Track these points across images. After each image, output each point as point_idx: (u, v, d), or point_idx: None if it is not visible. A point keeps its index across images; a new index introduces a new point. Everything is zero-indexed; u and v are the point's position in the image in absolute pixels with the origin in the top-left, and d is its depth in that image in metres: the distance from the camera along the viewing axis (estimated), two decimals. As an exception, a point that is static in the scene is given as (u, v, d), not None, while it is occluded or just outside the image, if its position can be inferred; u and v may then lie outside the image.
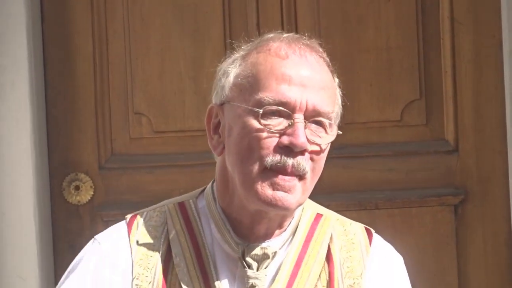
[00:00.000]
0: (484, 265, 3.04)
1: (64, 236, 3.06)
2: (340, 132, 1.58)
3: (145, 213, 1.68)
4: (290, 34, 1.59)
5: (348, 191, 2.98)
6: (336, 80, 1.60)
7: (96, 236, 1.65)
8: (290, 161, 1.49)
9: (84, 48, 3.08)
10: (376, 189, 3.00)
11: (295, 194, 1.52)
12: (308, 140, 1.49)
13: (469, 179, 3.03)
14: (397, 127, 2.99)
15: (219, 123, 1.60)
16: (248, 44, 1.63)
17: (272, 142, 1.51)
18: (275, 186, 1.51)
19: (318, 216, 1.66)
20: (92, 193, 2.95)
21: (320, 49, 1.58)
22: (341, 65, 3.03)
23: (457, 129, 2.96)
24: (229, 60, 1.63)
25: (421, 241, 2.95)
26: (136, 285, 1.57)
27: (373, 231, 1.66)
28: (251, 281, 1.56)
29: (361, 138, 3.01)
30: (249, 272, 1.56)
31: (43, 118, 3.07)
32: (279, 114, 1.51)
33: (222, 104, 1.58)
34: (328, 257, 1.61)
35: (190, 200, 1.68)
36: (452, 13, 3.03)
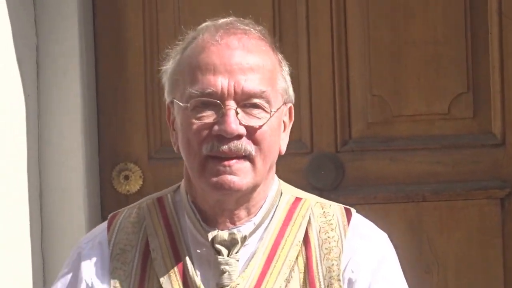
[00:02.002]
0: None
1: (114, 226, 3.10)
2: (290, 104, 1.63)
3: (125, 211, 1.70)
4: (223, 20, 1.59)
5: (395, 184, 2.98)
6: (279, 56, 1.60)
7: (79, 240, 1.70)
8: (224, 147, 1.51)
9: (135, 41, 3.11)
10: (423, 182, 3.01)
11: (243, 174, 1.55)
12: (242, 124, 1.51)
13: None
14: (445, 120, 3.01)
15: (173, 120, 1.65)
16: (189, 35, 1.64)
17: (204, 133, 1.54)
18: (219, 172, 1.53)
19: (297, 199, 1.68)
20: (141, 183, 2.98)
21: (257, 29, 1.58)
22: (389, 57, 3.06)
23: (504, 123, 2.96)
24: (172, 54, 1.65)
25: (467, 234, 2.95)
26: (113, 279, 1.61)
27: (353, 210, 1.67)
28: (221, 267, 1.58)
29: (408, 131, 3.03)
30: (220, 258, 1.57)
31: (94, 109, 3.10)
32: (207, 105, 1.54)
33: (171, 101, 1.62)
34: (306, 240, 1.63)
35: (168, 195, 1.70)
36: (501, 7, 3.01)
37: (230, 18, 1.60)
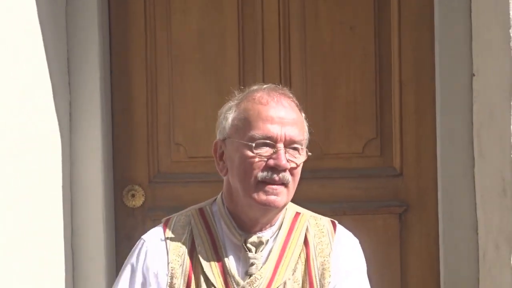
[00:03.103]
0: (419, 257, 3.50)
1: (123, 230, 3.49)
2: (310, 153, 1.94)
3: (175, 217, 2.01)
4: (269, 85, 1.97)
5: (325, 202, 3.42)
6: (303, 115, 1.95)
7: (142, 236, 2.02)
8: (276, 176, 1.84)
9: (140, 98, 3.51)
10: (344, 201, 3.49)
11: (282, 196, 1.87)
12: (287, 160, 1.85)
13: (410, 195, 3.51)
14: (360, 158, 3.51)
15: (222, 153, 1.93)
16: (239, 95, 1.97)
17: (262, 164, 1.86)
18: (267, 193, 1.85)
19: (297, 214, 2.02)
20: (144, 199, 3.41)
21: (291, 95, 1.95)
22: (323, 112, 3.35)
23: (402, 160, 3.50)
24: (226, 107, 1.96)
25: (375, 239, 3.38)
26: (171, 267, 1.93)
27: (336, 222, 2.04)
28: (251, 261, 1.91)
29: (334, 165, 3.54)
30: (250, 254, 1.91)
31: (110, 145, 3.53)
32: (266, 144, 1.85)
33: (224, 140, 1.92)
34: (305, 243, 1.97)
35: (207, 206, 2.01)
36: (401, 76, 3.52)
37: (271, 84, 1.99)
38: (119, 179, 3.53)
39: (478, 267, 3.31)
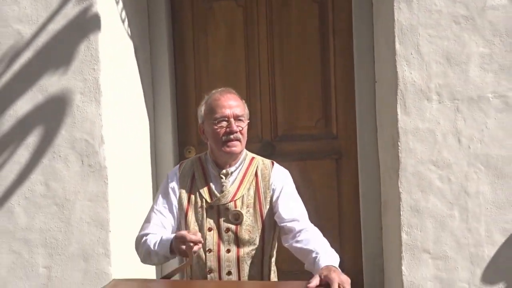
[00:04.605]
0: (348, 183, 4.38)
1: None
2: (248, 121, 2.50)
3: (185, 161, 2.60)
4: (221, 89, 2.58)
5: (294, 154, 4.21)
6: (243, 101, 2.53)
7: (168, 173, 2.64)
8: (232, 136, 2.46)
9: (191, 100, 4.30)
10: (305, 153, 4.25)
11: (237, 147, 2.49)
12: (237, 126, 2.46)
13: (342, 149, 4.40)
14: (314, 128, 4.41)
15: (204, 130, 2.55)
16: (206, 97, 2.57)
17: (223, 131, 2.46)
18: (229, 146, 2.48)
19: (252, 158, 2.62)
20: (195, 153, 4.29)
21: (233, 91, 2.54)
22: (294, 102, 4.25)
23: (337, 130, 4.37)
24: (200, 107, 2.58)
25: (323, 173, 4.35)
26: (181, 188, 2.54)
27: (275, 162, 2.60)
28: (223, 183, 2.53)
29: (300, 132, 4.34)
30: (222, 180, 2.52)
31: (176, 124, 4.34)
32: (223, 120, 2.46)
33: (202, 122, 2.54)
34: (256, 174, 2.57)
35: (202, 155, 2.63)
36: (335, 81, 4.17)
37: (223, 88, 2.61)
38: (182, 142, 4.47)
39: (380, 189, 4.12)
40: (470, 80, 3.47)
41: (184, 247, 2.36)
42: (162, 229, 2.54)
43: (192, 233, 2.35)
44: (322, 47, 4.31)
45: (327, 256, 2.39)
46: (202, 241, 2.40)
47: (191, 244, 2.34)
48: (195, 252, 2.37)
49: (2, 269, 3.68)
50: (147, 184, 4.16)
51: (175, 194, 2.59)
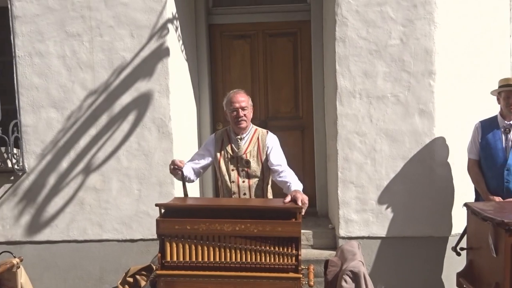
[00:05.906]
0: (307, 145, 4.22)
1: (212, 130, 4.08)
2: (252, 108, 2.41)
3: (218, 131, 2.59)
4: (236, 90, 2.50)
5: (278, 129, 3.91)
6: (249, 97, 2.45)
7: (208, 136, 2.56)
8: (240, 119, 2.46)
9: (221, 99, 3.94)
10: (286, 128, 4.04)
11: (243, 124, 2.47)
12: (243, 113, 2.44)
13: (304, 122, 4.20)
14: (289, 113, 4.32)
15: (226, 113, 2.52)
16: (228, 94, 2.53)
17: (235, 115, 2.48)
18: (239, 124, 2.46)
19: (256, 129, 2.57)
20: (221, 127, 4.18)
21: (243, 92, 2.47)
22: (277, 96, 4.06)
23: (302, 114, 4.27)
24: (224, 100, 2.53)
25: (293, 139, 4.21)
26: (215, 148, 2.51)
27: (269, 131, 2.54)
28: (239, 144, 2.50)
29: (280, 116, 4.24)
30: (239, 142, 2.51)
31: (212, 111, 4.22)
32: (235, 110, 2.47)
33: (225, 110, 2.52)
34: (257, 139, 2.54)
35: (228, 128, 2.58)
36: (301, 82, 4.07)
37: (237, 89, 2.54)
38: (214, 119, 4.47)
39: (326, 148, 4.08)
40: (378, 86, 3.43)
41: (172, 167, 2.36)
42: (195, 163, 2.54)
43: (178, 160, 2.35)
44: (295, 66, 4.31)
45: (295, 185, 2.40)
46: (182, 166, 2.36)
47: (172, 166, 2.35)
48: (177, 173, 2.34)
49: (113, 191, 3.66)
50: (194, 143, 4.14)
51: (210, 150, 2.60)
